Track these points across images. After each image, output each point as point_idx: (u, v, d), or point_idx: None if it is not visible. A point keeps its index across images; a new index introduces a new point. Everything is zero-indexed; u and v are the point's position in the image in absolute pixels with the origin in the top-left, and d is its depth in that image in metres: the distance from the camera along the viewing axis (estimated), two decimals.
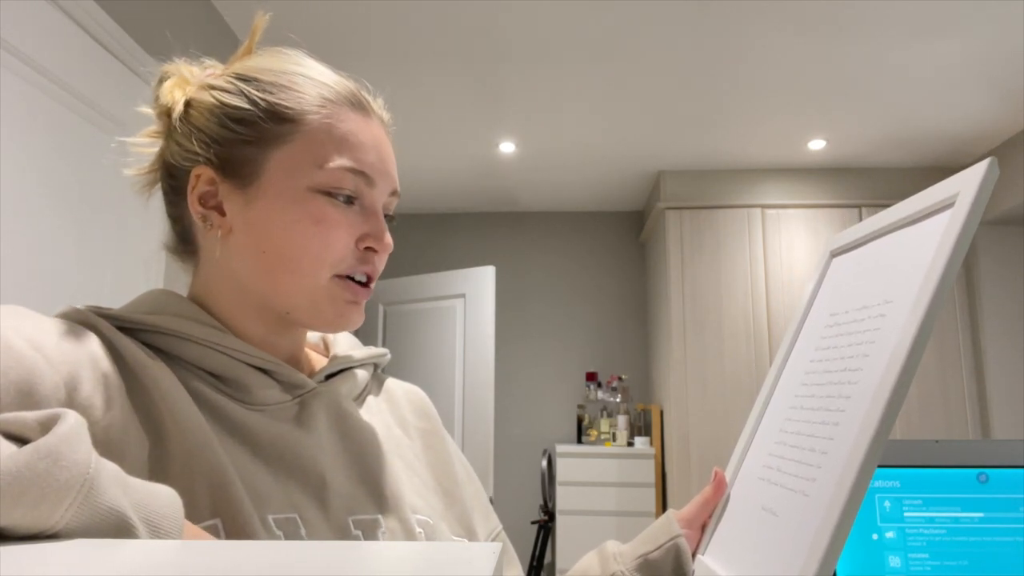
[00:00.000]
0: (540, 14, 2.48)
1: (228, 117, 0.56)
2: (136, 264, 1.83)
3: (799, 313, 0.69)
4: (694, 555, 0.66)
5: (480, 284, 3.61)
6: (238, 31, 2.50)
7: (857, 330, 0.55)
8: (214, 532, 0.47)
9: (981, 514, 0.82)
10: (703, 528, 0.67)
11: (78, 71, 1.65)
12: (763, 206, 3.91)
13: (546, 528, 4.02)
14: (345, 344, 0.68)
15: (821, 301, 0.66)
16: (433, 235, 4.84)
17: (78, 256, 1.65)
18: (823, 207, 3.88)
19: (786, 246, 3.86)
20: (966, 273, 3.81)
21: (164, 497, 0.39)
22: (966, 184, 0.49)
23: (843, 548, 0.45)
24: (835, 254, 0.69)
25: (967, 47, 2.67)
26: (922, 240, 0.52)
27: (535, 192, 4.44)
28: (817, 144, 3.61)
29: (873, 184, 3.91)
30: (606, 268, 4.74)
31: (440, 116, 3.32)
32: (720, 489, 0.67)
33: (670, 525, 0.67)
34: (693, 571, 0.65)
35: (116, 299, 1.74)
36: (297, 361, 0.63)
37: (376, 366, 0.70)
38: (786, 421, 0.61)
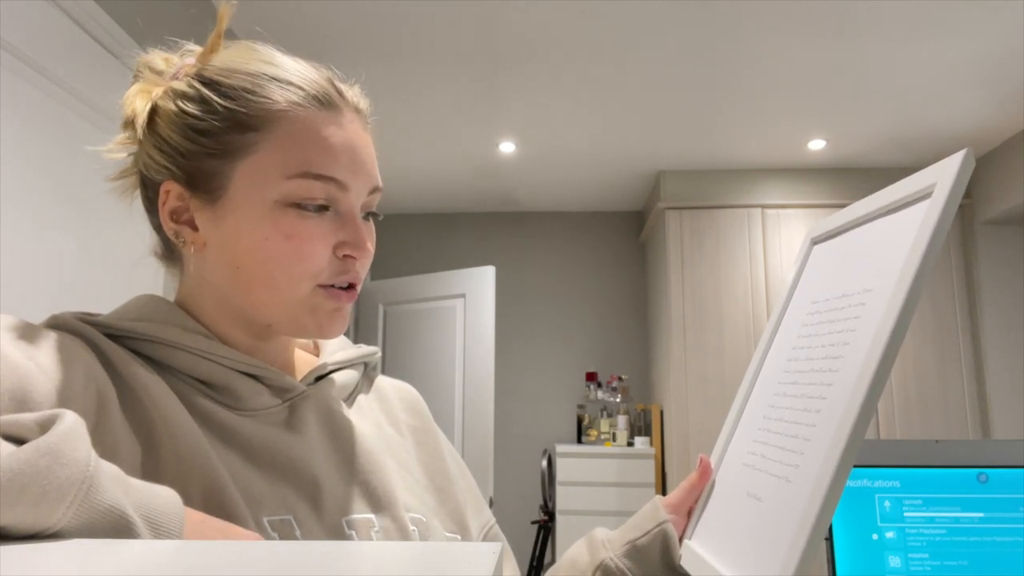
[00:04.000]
0: (540, 14, 2.48)
1: (190, 128, 0.54)
2: (138, 262, 1.82)
3: (781, 300, 0.70)
4: (681, 540, 0.67)
5: (480, 284, 3.61)
6: (238, 31, 2.50)
7: (838, 318, 0.56)
8: None
9: (981, 514, 0.82)
10: (689, 513, 0.68)
11: (78, 71, 1.65)
12: (763, 206, 3.91)
13: (546, 528, 4.02)
14: (335, 344, 0.68)
15: (802, 289, 0.67)
16: (433, 235, 4.84)
17: (79, 255, 1.65)
18: (823, 207, 3.88)
19: (786, 246, 3.86)
20: (966, 273, 3.81)
21: (165, 496, 0.39)
22: (943, 175, 0.49)
23: (825, 532, 0.46)
24: (816, 242, 0.70)
25: (967, 48, 2.67)
26: (900, 230, 0.53)
27: (535, 192, 4.44)
28: (817, 144, 3.61)
29: (873, 184, 3.91)
30: (606, 268, 4.74)
31: (440, 116, 3.32)
32: (706, 475, 0.68)
33: (657, 511, 0.68)
34: (680, 556, 0.66)
35: (117, 298, 1.74)
36: (286, 363, 0.63)
37: (366, 365, 0.70)
38: (769, 408, 0.61)
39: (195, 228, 0.56)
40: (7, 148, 1.44)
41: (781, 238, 3.87)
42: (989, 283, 3.70)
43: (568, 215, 4.82)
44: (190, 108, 0.54)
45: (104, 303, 1.91)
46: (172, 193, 0.56)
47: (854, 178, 3.93)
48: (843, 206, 3.88)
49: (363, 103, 0.60)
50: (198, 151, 0.54)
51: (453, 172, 4.08)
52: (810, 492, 0.47)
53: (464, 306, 3.64)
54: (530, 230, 4.81)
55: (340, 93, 0.57)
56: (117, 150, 0.59)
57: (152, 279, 1.88)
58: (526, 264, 4.77)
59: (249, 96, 0.54)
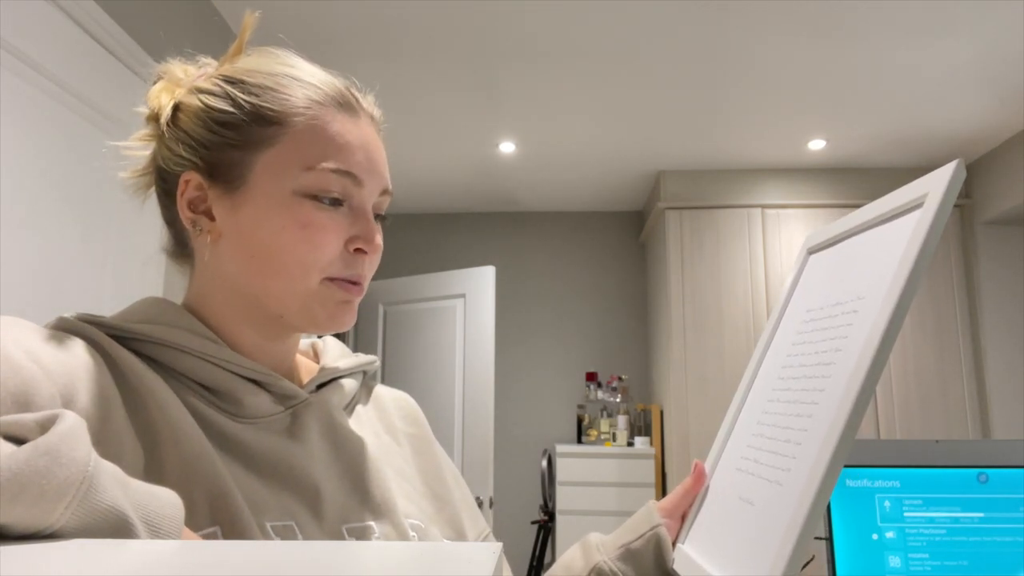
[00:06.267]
0: (540, 14, 2.48)
1: (214, 121, 0.56)
2: (137, 265, 1.83)
3: (777, 309, 0.72)
4: (674, 544, 0.68)
5: (480, 284, 3.61)
6: (237, 30, 2.50)
7: (831, 326, 0.57)
8: (213, 539, 0.47)
9: (981, 514, 0.82)
10: (683, 518, 0.69)
11: (78, 71, 1.65)
12: (763, 206, 3.91)
13: (546, 528, 4.02)
14: (335, 353, 0.68)
15: (798, 297, 0.69)
16: (433, 235, 4.84)
17: (79, 257, 1.65)
18: (823, 207, 3.88)
19: (786, 246, 3.86)
20: (966, 273, 3.81)
21: (165, 498, 0.39)
22: (934, 185, 0.51)
23: (815, 532, 0.47)
24: (812, 251, 0.71)
25: (967, 48, 2.67)
26: (893, 239, 0.54)
27: (535, 192, 4.44)
28: (817, 144, 3.61)
29: (873, 184, 3.91)
30: (606, 268, 4.74)
31: (440, 116, 3.32)
32: (700, 480, 0.69)
33: (651, 515, 0.69)
34: (673, 560, 0.67)
35: (117, 300, 1.74)
36: (289, 369, 0.63)
37: (364, 373, 0.70)
38: (763, 414, 0.63)
39: (212, 218, 0.57)
40: (7, 148, 1.44)
41: (781, 238, 3.87)
42: (989, 283, 3.70)
43: (568, 215, 4.82)
44: (214, 103, 0.56)
45: (104, 303, 1.90)
46: (192, 183, 0.57)
47: (854, 178, 3.93)
48: (843, 206, 3.89)
49: (377, 112, 0.62)
50: (220, 142, 0.56)
51: (453, 172, 4.08)
52: (800, 494, 0.48)
53: (464, 306, 3.64)
54: (530, 230, 4.81)
55: (357, 99, 0.60)
56: (137, 147, 0.61)
57: (153, 279, 1.88)
58: (526, 264, 4.77)
59: (272, 93, 0.57)
